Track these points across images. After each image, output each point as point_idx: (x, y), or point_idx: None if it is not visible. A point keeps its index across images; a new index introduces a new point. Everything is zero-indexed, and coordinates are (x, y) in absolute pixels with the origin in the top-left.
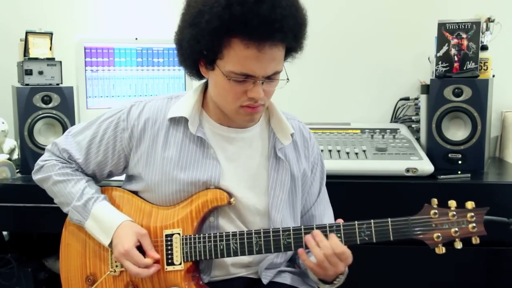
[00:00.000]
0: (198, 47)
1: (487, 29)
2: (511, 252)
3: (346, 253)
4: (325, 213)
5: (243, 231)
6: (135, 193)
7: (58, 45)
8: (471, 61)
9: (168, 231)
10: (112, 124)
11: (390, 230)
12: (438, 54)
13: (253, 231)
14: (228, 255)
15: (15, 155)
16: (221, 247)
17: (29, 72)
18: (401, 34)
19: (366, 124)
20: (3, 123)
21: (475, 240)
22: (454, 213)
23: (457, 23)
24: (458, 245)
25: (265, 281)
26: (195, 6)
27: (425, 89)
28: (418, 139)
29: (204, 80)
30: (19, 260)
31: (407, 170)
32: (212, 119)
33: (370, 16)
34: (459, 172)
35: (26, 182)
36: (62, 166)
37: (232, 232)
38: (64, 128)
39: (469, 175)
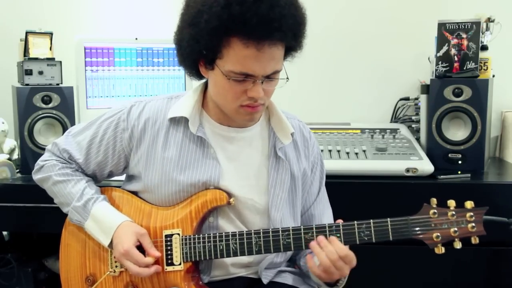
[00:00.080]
0: (197, 47)
1: (487, 29)
2: (511, 252)
3: (350, 255)
4: (325, 213)
5: (243, 232)
6: (135, 193)
7: (58, 45)
8: (471, 61)
9: (168, 232)
10: (112, 124)
11: (390, 230)
12: (438, 54)
13: (252, 231)
14: (228, 255)
15: (15, 155)
16: (221, 247)
17: (29, 72)
18: (401, 34)
19: (366, 124)
20: (3, 123)
21: (475, 240)
22: (454, 213)
23: (457, 23)
24: (458, 245)
25: (265, 281)
26: (194, 6)
27: (425, 89)
28: (418, 139)
29: (204, 80)
30: (19, 260)
31: (407, 170)
32: (212, 119)
33: (370, 16)
34: (459, 172)
35: (26, 182)
36: (62, 166)
37: (231, 232)
38: (64, 128)
39: (469, 175)
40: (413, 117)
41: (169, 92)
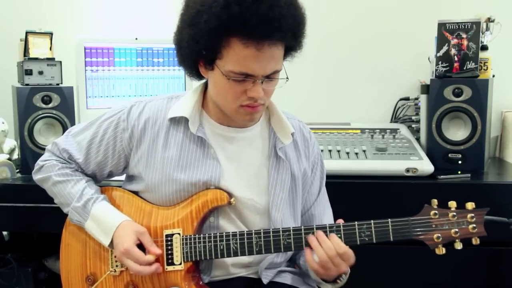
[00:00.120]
0: (197, 47)
1: (487, 29)
2: (511, 252)
3: (348, 252)
4: (325, 213)
5: (243, 231)
6: (135, 193)
7: (58, 45)
8: (471, 61)
9: (168, 231)
10: (112, 124)
11: (390, 230)
12: (438, 54)
13: (253, 231)
14: (228, 255)
15: (15, 155)
16: (221, 247)
17: (29, 72)
18: (401, 34)
19: (366, 124)
20: (3, 123)
21: (475, 241)
22: (454, 213)
23: (457, 23)
24: (458, 245)
25: (265, 281)
26: (194, 7)
27: (425, 89)
28: (418, 139)
29: (204, 80)
30: (19, 260)
31: (407, 170)
32: (212, 119)
33: (370, 16)
34: (459, 172)
35: (26, 182)
36: (62, 166)
37: (232, 232)
38: (64, 128)
39: (469, 175)
40: (413, 117)
41: (169, 92)
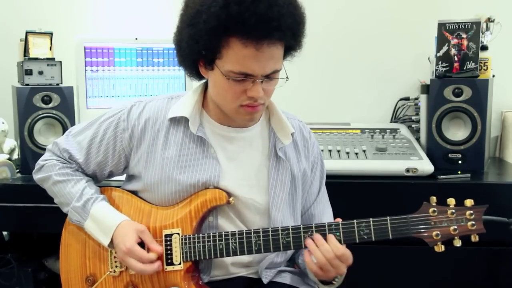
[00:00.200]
0: (196, 47)
1: (487, 29)
2: (511, 252)
3: (346, 254)
4: (325, 212)
5: (242, 231)
6: (135, 193)
7: (58, 45)
8: (471, 61)
9: (168, 231)
10: (112, 124)
11: (389, 228)
12: (438, 54)
13: (252, 230)
14: (228, 255)
15: (15, 155)
16: (220, 246)
17: (29, 72)
18: (401, 34)
19: (366, 124)
20: (3, 123)
21: (474, 238)
22: (453, 211)
23: (457, 23)
24: (458, 243)
25: (265, 280)
26: (193, 7)
27: (425, 89)
28: (418, 139)
29: (204, 80)
30: (19, 260)
31: (407, 170)
32: (213, 119)
33: (370, 16)
34: (459, 172)
35: (26, 182)
36: (62, 166)
37: (231, 231)
38: (64, 128)
39: (469, 175)
40: (413, 117)
41: (169, 92)
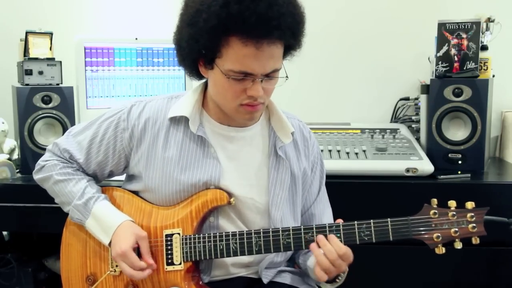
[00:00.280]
0: (196, 47)
1: (487, 29)
2: (511, 252)
3: (348, 252)
4: (325, 212)
5: (243, 231)
6: (136, 193)
7: (58, 45)
8: (471, 61)
9: (168, 231)
10: (112, 124)
11: (390, 230)
12: (438, 54)
13: (252, 231)
14: (228, 255)
15: (15, 155)
16: (221, 247)
17: (29, 72)
18: (401, 34)
19: (366, 124)
20: (3, 123)
21: (475, 240)
22: (454, 213)
23: (457, 23)
24: (458, 245)
25: (265, 280)
26: (193, 6)
27: (425, 89)
28: (418, 139)
29: (203, 80)
30: (19, 260)
31: (407, 170)
32: (213, 119)
33: (370, 15)
34: (459, 172)
35: (26, 182)
36: (63, 166)
37: (231, 232)
38: (64, 128)
39: (469, 175)
40: (413, 117)
41: (169, 92)
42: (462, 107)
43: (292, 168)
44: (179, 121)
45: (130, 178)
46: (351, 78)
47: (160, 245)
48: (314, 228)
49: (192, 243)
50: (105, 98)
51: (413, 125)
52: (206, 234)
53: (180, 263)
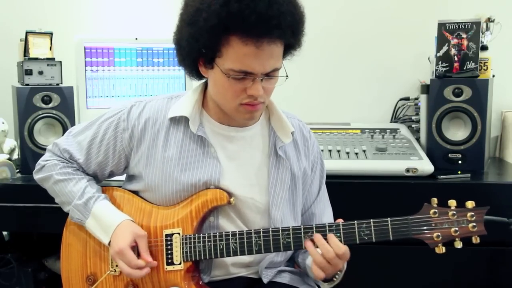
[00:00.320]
0: (196, 46)
1: (487, 29)
2: (511, 252)
3: (347, 252)
4: (325, 212)
5: (243, 231)
6: (136, 192)
7: (58, 45)
8: (471, 61)
9: (168, 231)
10: (112, 124)
11: (390, 229)
12: (438, 54)
13: (252, 230)
14: (228, 255)
15: (15, 155)
16: (221, 246)
17: (29, 72)
18: (401, 34)
19: (366, 124)
20: (3, 123)
21: (475, 240)
22: (454, 212)
23: (457, 23)
24: (458, 244)
25: (265, 280)
26: (193, 5)
27: (425, 89)
28: (418, 139)
29: (203, 80)
30: (19, 260)
31: (407, 170)
32: (213, 118)
33: (370, 16)
34: (459, 172)
35: (26, 182)
36: (63, 165)
37: (231, 232)
38: (64, 128)
39: (469, 175)
40: (413, 117)
41: (169, 92)
42: (462, 107)
43: (292, 168)
44: (179, 121)
45: (130, 178)
46: (351, 78)
47: (160, 245)
48: (314, 228)
49: (192, 243)
50: (105, 98)
51: (413, 125)
52: (206, 234)
53: (180, 263)
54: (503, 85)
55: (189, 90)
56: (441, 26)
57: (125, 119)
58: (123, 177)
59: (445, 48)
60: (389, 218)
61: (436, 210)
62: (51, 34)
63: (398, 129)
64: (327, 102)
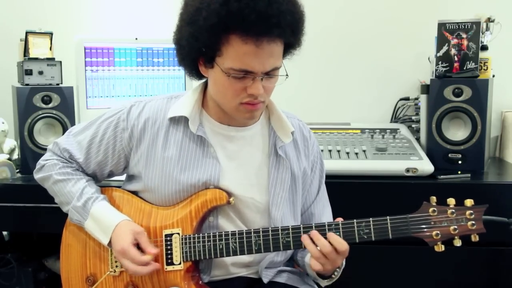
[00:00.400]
0: (196, 45)
1: (487, 29)
2: (511, 252)
3: (347, 248)
4: (324, 212)
5: (242, 231)
6: (135, 193)
7: (58, 45)
8: (471, 61)
9: (168, 231)
10: (112, 124)
11: (389, 228)
12: (438, 54)
13: (252, 230)
14: (228, 255)
15: (15, 155)
16: (221, 246)
17: (29, 72)
18: (401, 34)
19: (366, 124)
20: (3, 123)
21: (474, 238)
22: (453, 210)
23: (457, 23)
24: (458, 242)
25: (265, 280)
26: (193, 5)
27: (425, 89)
28: (418, 139)
29: (203, 80)
30: (19, 260)
31: (407, 170)
32: (212, 118)
33: (370, 16)
34: (459, 172)
35: (26, 182)
36: (63, 165)
37: (231, 231)
38: (64, 128)
39: (469, 175)
40: (413, 117)
41: (169, 92)
42: (462, 107)
43: (292, 168)
44: (179, 121)
45: (130, 178)
46: (351, 78)
47: (159, 245)
48: (313, 227)
49: (192, 243)
50: (105, 98)
51: (413, 125)
52: (206, 234)
53: (180, 263)
54: (503, 85)
55: (189, 90)
56: (441, 26)
57: (124, 119)
58: (122, 177)
59: (445, 48)
60: (388, 217)
61: (435, 209)
62: (51, 34)
63: (398, 129)
64: (327, 102)
